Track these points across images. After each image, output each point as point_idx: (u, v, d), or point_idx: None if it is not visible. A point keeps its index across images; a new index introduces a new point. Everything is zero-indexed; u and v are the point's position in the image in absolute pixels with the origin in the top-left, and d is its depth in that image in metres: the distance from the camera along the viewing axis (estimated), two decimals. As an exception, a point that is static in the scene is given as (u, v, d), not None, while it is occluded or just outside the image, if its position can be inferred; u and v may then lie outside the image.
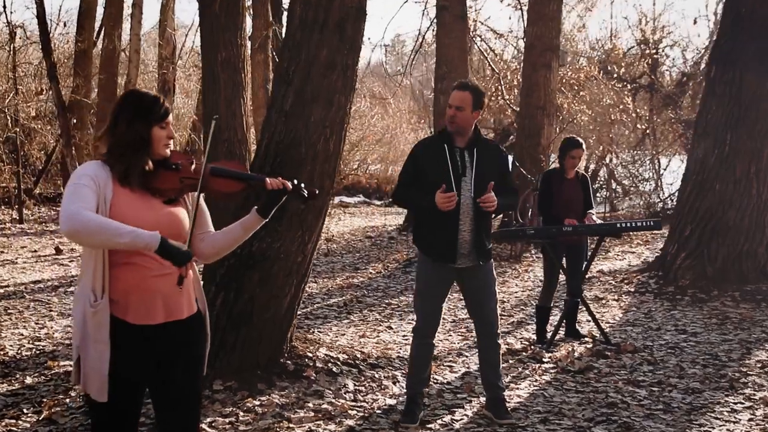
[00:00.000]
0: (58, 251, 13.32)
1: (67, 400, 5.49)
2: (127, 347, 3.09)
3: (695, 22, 53.20)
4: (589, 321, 8.08)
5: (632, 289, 9.55)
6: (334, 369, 6.00)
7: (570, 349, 7.02)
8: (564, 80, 16.68)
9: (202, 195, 3.27)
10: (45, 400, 5.50)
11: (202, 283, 3.47)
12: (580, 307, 7.63)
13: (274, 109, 5.78)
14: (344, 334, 7.86)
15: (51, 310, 8.75)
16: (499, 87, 17.07)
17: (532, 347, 7.21)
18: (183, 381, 3.25)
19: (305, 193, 3.37)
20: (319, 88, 5.62)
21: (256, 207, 3.34)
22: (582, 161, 7.68)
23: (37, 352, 6.91)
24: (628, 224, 7.27)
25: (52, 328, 7.86)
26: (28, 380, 5.99)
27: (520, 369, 6.53)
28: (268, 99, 13.25)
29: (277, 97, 5.76)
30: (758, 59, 9.12)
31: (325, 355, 6.20)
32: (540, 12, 13.99)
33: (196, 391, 3.34)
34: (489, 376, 5.33)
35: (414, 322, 5.39)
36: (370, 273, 11.99)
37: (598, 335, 7.48)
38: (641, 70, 22.07)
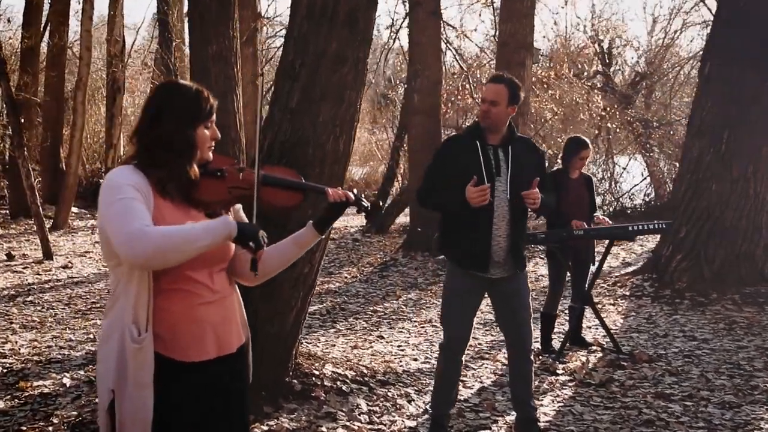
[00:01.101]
0: (10, 257, 12.55)
1: (50, 429, 4.89)
2: (173, 390, 2.58)
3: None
4: (590, 327, 7.72)
5: (627, 293, 9.21)
6: (344, 388, 5.49)
7: (584, 359, 6.62)
8: (534, 79, 16.35)
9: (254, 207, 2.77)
10: (24, 428, 4.89)
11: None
12: (585, 314, 7.25)
13: (277, 106, 5.25)
14: (334, 345, 7.38)
15: (12, 323, 8.09)
16: (467, 86, 16.66)
17: (541, 357, 6.80)
18: (233, 419, 2.76)
19: (367, 205, 2.91)
20: (328, 83, 5.11)
21: (312, 221, 2.89)
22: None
23: (4, 370, 6.27)
24: (640, 227, 6.89)
25: (17, 342, 7.21)
26: (0, 404, 5.38)
27: (536, 382, 6.10)
28: (256, 96, 12.64)
29: (281, 94, 5.23)
30: (758, 55, 8.82)
31: (333, 372, 5.68)
32: (513, 9, 13.60)
33: (246, 429, 2.86)
34: (521, 394, 4.87)
35: (441, 337, 4.92)
36: (346, 278, 11.52)
37: (605, 343, 7.11)
38: (594, 69, 21.95)
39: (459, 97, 17.04)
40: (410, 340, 7.65)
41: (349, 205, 2.86)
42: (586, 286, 6.99)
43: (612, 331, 7.56)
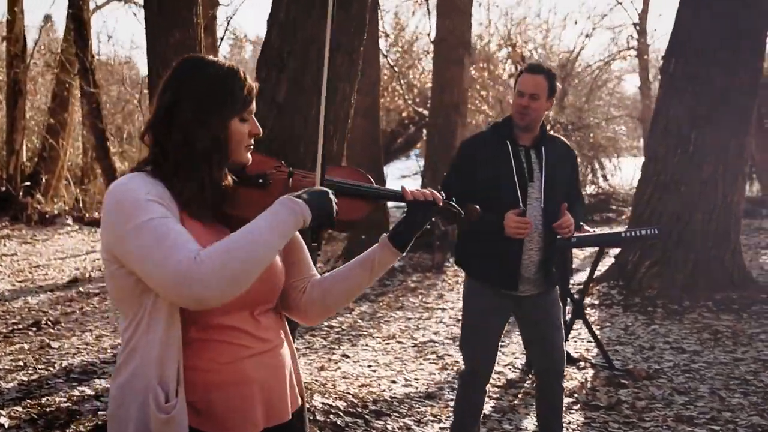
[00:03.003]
0: None
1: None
2: None
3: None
4: (573, 340, 7.23)
5: (596, 302, 8.76)
6: (339, 422, 4.80)
7: (581, 377, 6.11)
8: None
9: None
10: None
11: None
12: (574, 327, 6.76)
13: (261, 100, 4.54)
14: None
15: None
16: (398, 86, 16.11)
17: (530, 376, 6.26)
18: None
19: (459, 210, 2.27)
20: (320, 74, 4.44)
21: (387, 235, 2.20)
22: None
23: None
24: (632, 233, 6.43)
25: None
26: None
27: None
28: None
29: (266, 86, 4.53)
30: (726, 50, 8.50)
31: (323, 404, 4.99)
32: (451, 4, 13.13)
33: None
34: (552, 426, 4.29)
35: (461, 364, 4.29)
36: (287, 290, 10.78)
37: (591, 357, 6.63)
38: (510, 71, 21.78)
39: (389, 99, 16.46)
40: (378, 359, 7.01)
41: (436, 210, 2.19)
42: (577, 295, 6.50)
43: (591, 344, 7.07)
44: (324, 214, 1.94)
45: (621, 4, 21.83)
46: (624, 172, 23.93)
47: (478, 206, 2.35)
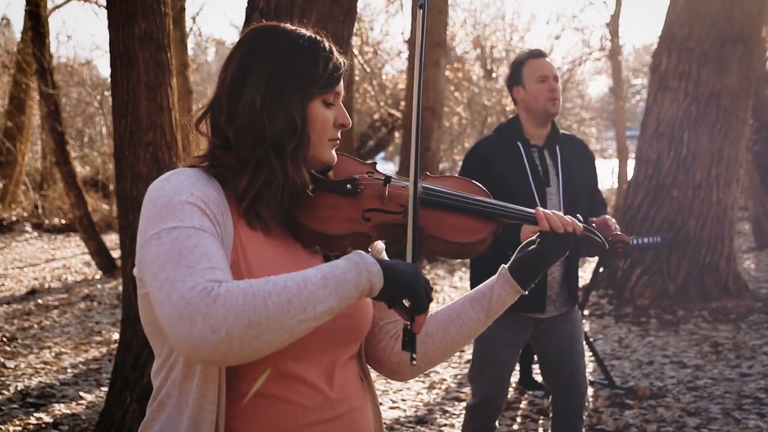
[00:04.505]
0: None
1: None
2: None
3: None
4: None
5: (586, 312, 8.35)
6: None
7: (583, 398, 5.69)
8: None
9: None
10: None
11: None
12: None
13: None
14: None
15: None
16: (370, 88, 15.65)
17: (527, 396, 5.85)
18: None
19: (602, 241, 1.82)
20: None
21: (506, 266, 1.76)
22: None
23: None
24: (638, 241, 6.02)
25: None
26: None
27: (540, 431, 5.12)
28: (186, 90, 11.13)
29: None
30: (718, 48, 8.14)
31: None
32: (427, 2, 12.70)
33: None
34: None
35: (471, 397, 3.82)
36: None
37: (590, 374, 6.21)
38: (480, 74, 21.44)
39: (360, 101, 16.00)
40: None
41: (575, 240, 1.74)
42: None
43: (587, 357, 6.65)
44: (409, 285, 1.45)
45: (593, 3, 21.51)
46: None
47: (625, 236, 1.89)
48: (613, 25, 20.40)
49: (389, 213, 1.60)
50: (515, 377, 6.08)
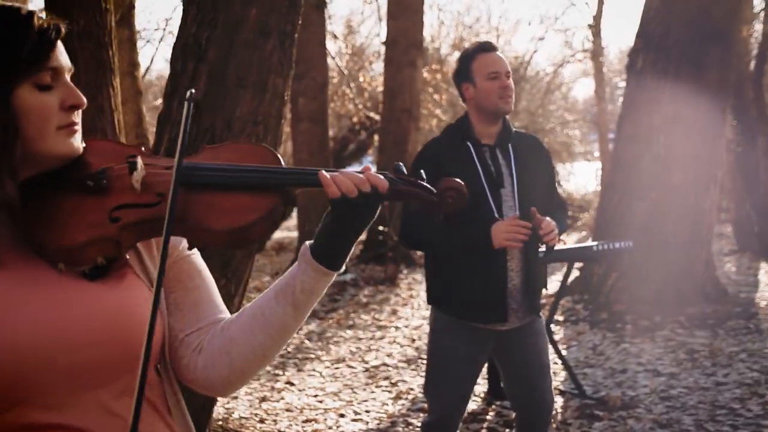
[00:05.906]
0: None
1: None
2: None
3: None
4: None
5: (561, 318, 8.15)
6: (275, 475, 4.12)
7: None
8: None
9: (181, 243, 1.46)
10: None
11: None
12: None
13: (176, 97, 3.84)
14: (236, 398, 5.99)
15: None
16: (347, 91, 15.42)
17: (495, 407, 5.63)
18: None
19: (426, 194, 1.40)
20: (246, 65, 3.74)
21: (308, 244, 1.43)
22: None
23: None
24: (605, 246, 5.80)
25: None
26: None
27: (504, 444, 4.92)
28: (135, 91, 10.83)
29: (181, 80, 3.82)
30: (696, 46, 7.94)
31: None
32: (403, 3, 12.50)
33: None
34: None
35: (426, 414, 3.61)
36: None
37: (560, 383, 6.01)
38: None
39: (339, 104, 15.77)
40: (326, 387, 6.32)
41: (377, 200, 1.38)
42: (549, 315, 5.88)
43: (557, 365, 6.44)
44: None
45: (575, 5, 21.37)
46: (578, 177, 23.59)
47: (457, 181, 1.43)
48: (596, 26, 20.29)
49: (144, 207, 1.29)
50: (483, 386, 5.87)
